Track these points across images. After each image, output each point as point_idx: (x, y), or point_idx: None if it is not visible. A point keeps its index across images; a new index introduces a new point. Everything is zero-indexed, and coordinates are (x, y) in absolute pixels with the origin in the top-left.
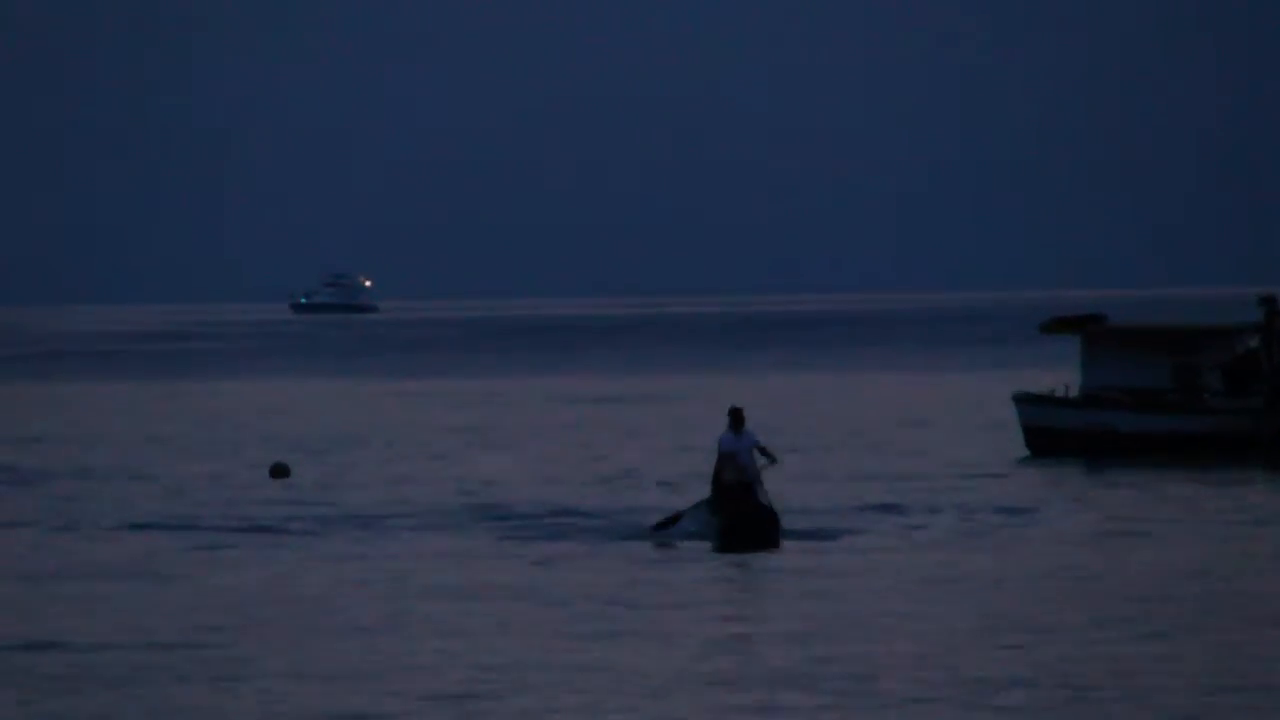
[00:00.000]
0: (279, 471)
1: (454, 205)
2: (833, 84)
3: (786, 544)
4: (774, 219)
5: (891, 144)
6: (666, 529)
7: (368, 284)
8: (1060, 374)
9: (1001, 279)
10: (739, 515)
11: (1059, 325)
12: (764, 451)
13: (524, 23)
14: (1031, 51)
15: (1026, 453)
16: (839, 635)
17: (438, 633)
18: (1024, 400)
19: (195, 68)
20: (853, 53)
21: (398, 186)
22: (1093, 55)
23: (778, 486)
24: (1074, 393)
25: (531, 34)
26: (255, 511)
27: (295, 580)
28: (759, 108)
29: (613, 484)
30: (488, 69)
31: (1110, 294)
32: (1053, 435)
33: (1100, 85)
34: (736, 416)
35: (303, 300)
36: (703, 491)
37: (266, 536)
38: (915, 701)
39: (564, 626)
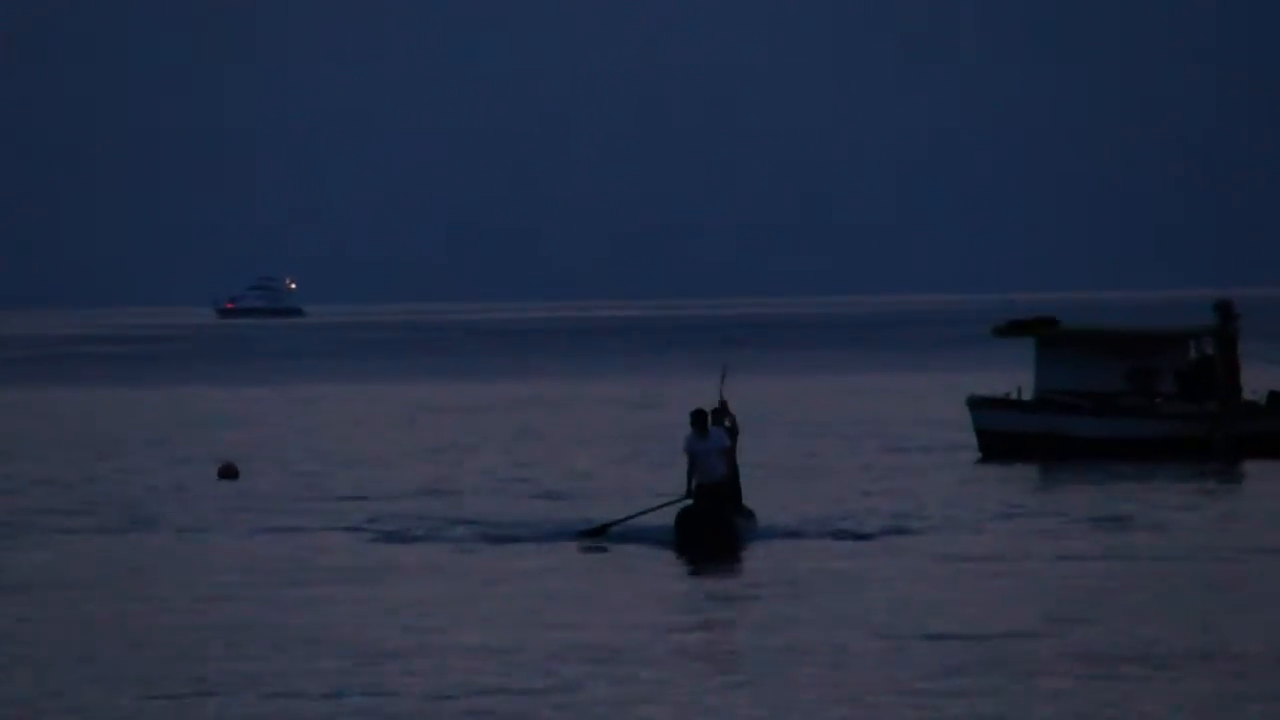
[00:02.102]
0: (228, 473)
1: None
2: (807, 81)
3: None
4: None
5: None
6: (600, 534)
7: (293, 287)
8: (1017, 376)
9: (970, 282)
10: (694, 521)
11: (1012, 329)
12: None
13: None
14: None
15: (979, 456)
16: (781, 631)
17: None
18: (977, 404)
19: (129, 67)
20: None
21: (327, 187)
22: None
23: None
24: (1027, 396)
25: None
26: (207, 512)
27: (267, 573)
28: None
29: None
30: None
31: (1061, 296)
32: (1006, 439)
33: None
34: (699, 419)
35: (227, 304)
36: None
37: (226, 537)
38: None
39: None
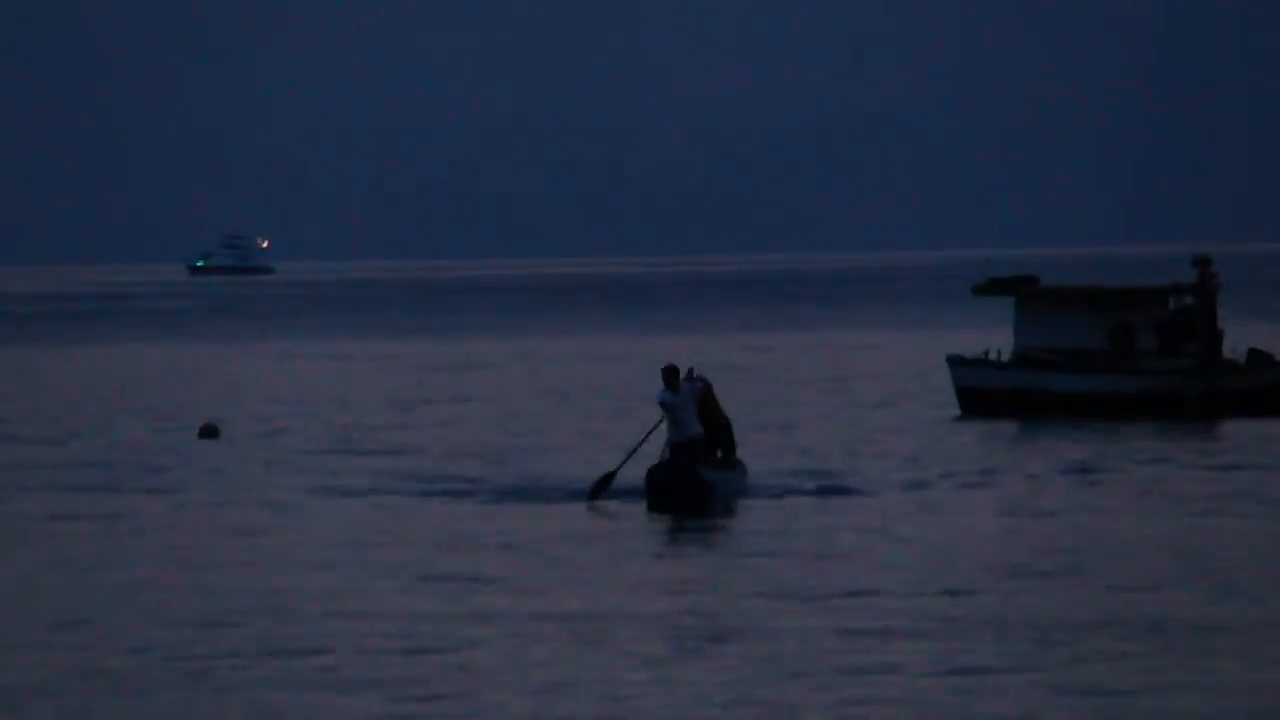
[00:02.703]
0: (208, 432)
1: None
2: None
3: (720, 505)
4: (730, 183)
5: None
6: (604, 488)
7: (265, 245)
8: (997, 335)
9: (960, 238)
10: (664, 476)
11: (992, 287)
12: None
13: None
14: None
15: (959, 413)
16: (768, 595)
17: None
18: (957, 362)
19: (94, 28)
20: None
21: (307, 153)
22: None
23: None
24: (1007, 355)
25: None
26: (182, 470)
27: (255, 542)
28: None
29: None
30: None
31: (1049, 253)
32: (985, 396)
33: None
34: (671, 374)
35: (199, 263)
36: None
37: (209, 493)
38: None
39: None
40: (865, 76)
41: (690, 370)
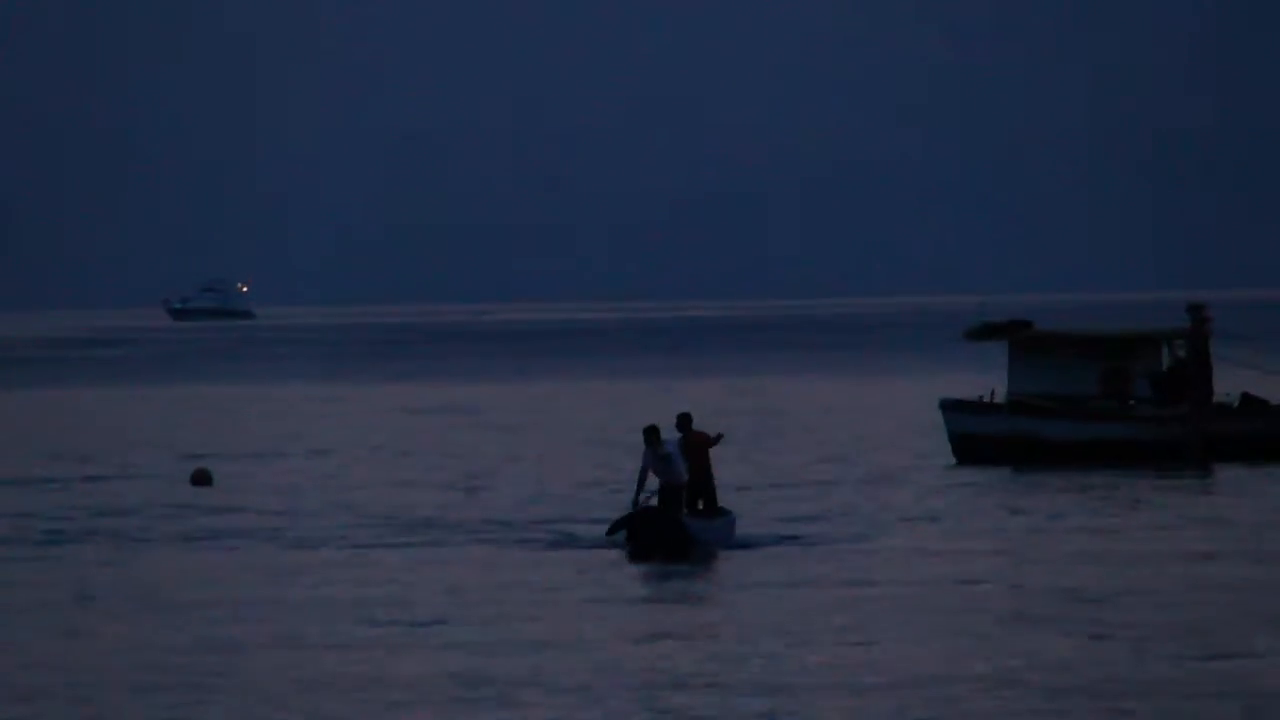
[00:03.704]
0: (201, 478)
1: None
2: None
3: (701, 553)
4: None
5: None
6: (620, 530)
7: (244, 289)
8: (992, 378)
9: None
10: (645, 523)
11: (985, 332)
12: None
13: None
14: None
15: (954, 460)
16: (750, 640)
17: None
18: (950, 407)
19: (83, 68)
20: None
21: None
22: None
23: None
24: (1001, 398)
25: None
26: (181, 517)
27: (239, 584)
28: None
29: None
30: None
31: (1033, 299)
32: (979, 442)
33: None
34: (653, 435)
35: (178, 306)
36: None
37: (198, 543)
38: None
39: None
40: (863, 126)
41: (689, 418)
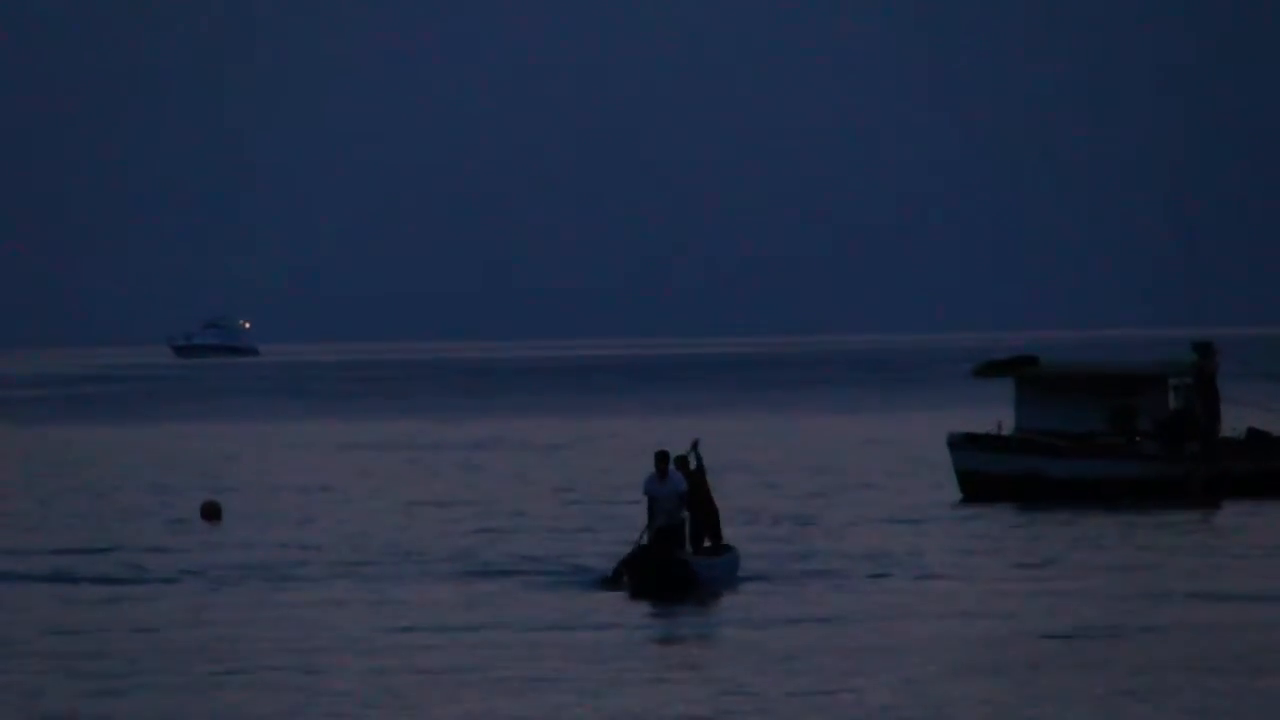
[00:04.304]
0: (210, 512)
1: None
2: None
3: (704, 591)
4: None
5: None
6: (620, 578)
7: (247, 326)
8: (998, 413)
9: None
10: (647, 564)
11: (991, 369)
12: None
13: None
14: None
15: (960, 496)
16: (749, 678)
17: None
18: (957, 444)
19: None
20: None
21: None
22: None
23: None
24: (1007, 433)
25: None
26: (187, 555)
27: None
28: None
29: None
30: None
31: (1039, 336)
32: (986, 479)
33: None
34: (662, 459)
35: (181, 343)
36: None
37: (203, 580)
38: None
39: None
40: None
41: (695, 442)
